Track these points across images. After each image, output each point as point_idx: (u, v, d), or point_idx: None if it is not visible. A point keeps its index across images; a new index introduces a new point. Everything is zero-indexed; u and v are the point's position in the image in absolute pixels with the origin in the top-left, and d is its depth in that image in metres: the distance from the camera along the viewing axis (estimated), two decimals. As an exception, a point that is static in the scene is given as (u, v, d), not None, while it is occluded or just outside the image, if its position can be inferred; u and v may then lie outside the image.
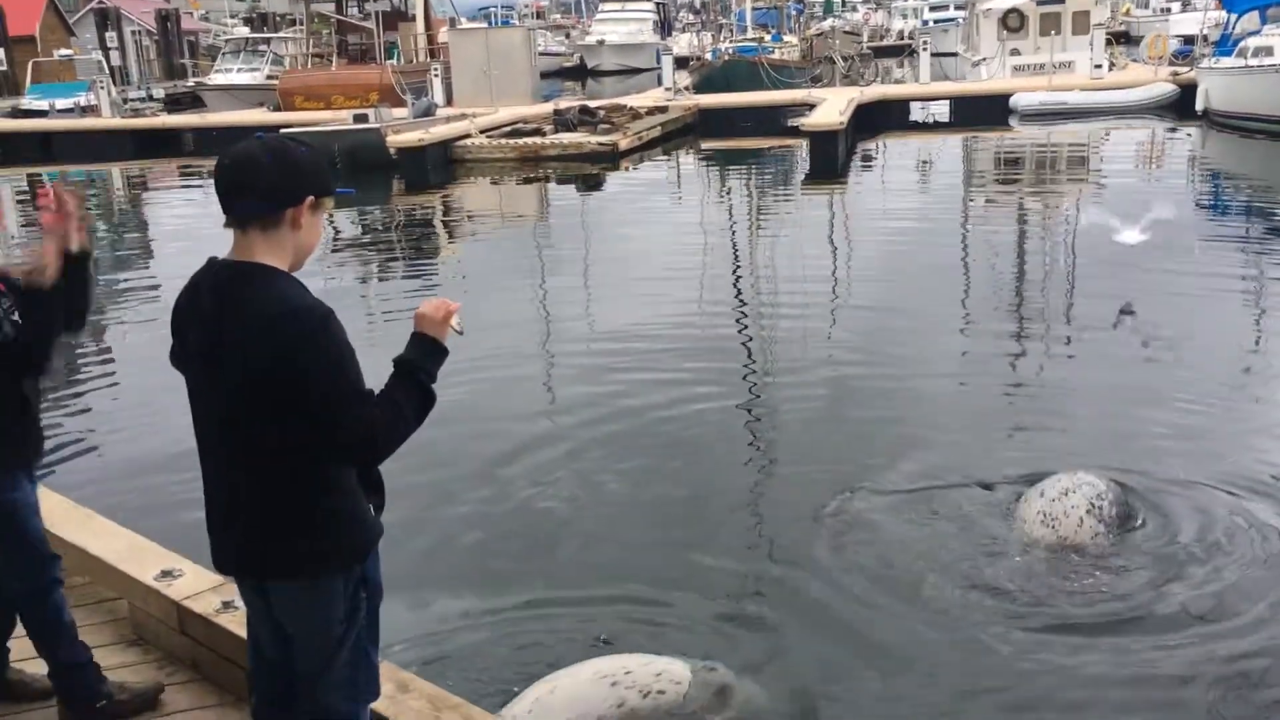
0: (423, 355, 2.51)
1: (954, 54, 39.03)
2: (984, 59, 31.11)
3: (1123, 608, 5.00)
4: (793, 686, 4.53)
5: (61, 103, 32.12)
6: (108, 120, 30.28)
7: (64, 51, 38.58)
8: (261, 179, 2.42)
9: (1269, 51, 21.99)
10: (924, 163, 22.80)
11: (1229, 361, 8.46)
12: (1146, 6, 57.21)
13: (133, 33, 46.68)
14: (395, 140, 21.92)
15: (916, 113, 28.19)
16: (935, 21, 52.69)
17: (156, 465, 6.98)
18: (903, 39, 51.41)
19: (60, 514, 4.47)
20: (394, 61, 33.77)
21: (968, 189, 19.34)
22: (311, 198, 2.48)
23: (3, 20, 38.16)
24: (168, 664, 3.76)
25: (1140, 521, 5.75)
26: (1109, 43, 32.30)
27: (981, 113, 26.25)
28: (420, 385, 2.49)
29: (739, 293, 11.86)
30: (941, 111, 27.91)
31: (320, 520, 2.51)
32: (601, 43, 53.58)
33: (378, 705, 2.87)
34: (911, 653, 4.77)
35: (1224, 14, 26.92)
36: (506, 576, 5.52)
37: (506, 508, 6.41)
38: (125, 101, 33.71)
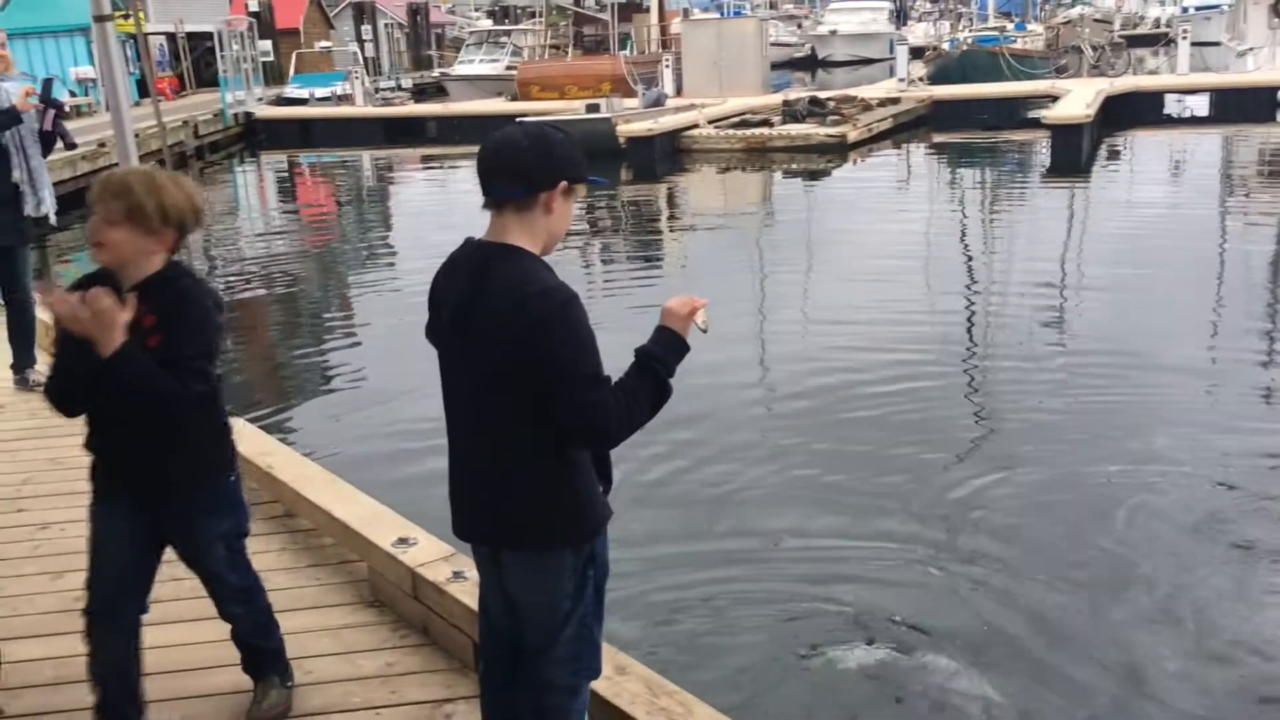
0: (664, 349, 2.53)
1: (1217, 43, 36.32)
2: (1251, 48, 28.80)
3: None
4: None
5: (320, 91, 34.08)
6: (360, 108, 31.96)
7: (324, 43, 40.96)
8: (518, 163, 2.49)
9: None
10: (1178, 159, 21.32)
11: None
12: None
13: (385, 25, 49.26)
14: (625, 130, 22.22)
15: (1172, 106, 26.42)
16: (1197, 8, 49.17)
17: (400, 435, 7.38)
18: (1159, 27, 48.26)
19: (309, 478, 4.78)
20: (627, 52, 34.33)
21: (1225, 187, 17.97)
22: (565, 183, 2.53)
23: (271, 14, 40.97)
24: (401, 626, 3.91)
25: None
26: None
27: (1246, 107, 24.28)
28: (658, 377, 2.51)
29: (968, 281, 11.57)
30: (1200, 105, 26.02)
31: (555, 495, 2.56)
32: (834, 32, 52.66)
33: (596, 685, 2.91)
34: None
35: None
36: (716, 556, 5.63)
37: (716, 483, 6.56)
38: (376, 91, 35.57)
